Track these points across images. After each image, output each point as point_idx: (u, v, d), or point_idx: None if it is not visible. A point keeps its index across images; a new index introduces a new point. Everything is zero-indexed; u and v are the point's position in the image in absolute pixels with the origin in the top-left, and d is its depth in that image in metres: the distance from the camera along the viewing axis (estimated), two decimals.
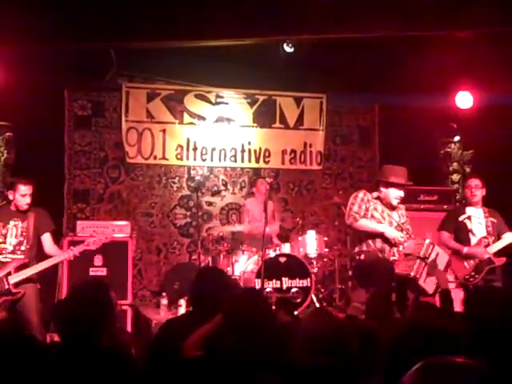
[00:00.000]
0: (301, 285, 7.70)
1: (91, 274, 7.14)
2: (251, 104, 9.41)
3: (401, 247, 6.01)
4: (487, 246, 6.64)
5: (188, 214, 9.21)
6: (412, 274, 5.86)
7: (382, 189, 6.23)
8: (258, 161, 9.40)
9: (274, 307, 6.03)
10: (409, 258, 5.93)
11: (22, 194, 6.07)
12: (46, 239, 6.24)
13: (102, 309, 3.24)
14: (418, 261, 5.88)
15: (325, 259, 8.45)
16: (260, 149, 9.40)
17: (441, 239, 6.84)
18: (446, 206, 8.77)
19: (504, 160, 8.27)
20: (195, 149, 9.19)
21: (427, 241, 6.06)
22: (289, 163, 9.46)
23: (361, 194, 6.22)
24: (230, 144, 9.32)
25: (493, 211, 6.90)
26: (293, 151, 9.47)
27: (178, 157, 9.13)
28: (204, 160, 9.24)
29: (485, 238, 6.70)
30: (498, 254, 6.65)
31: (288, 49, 7.68)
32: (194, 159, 9.20)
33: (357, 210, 6.11)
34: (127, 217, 8.67)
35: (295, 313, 7.28)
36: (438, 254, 6.05)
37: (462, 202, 7.17)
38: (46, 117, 8.33)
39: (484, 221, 6.81)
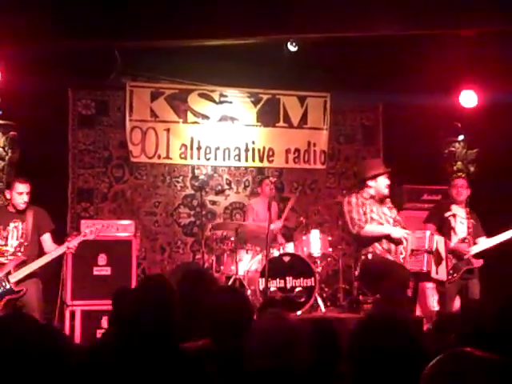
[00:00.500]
0: (305, 284, 7.69)
1: (95, 273, 7.14)
2: (255, 103, 9.40)
3: (405, 243, 6.00)
4: (469, 246, 6.73)
5: (192, 213, 9.21)
6: (424, 269, 5.89)
7: (371, 183, 6.20)
8: (261, 160, 9.39)
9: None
10: (416, 253, 5.94)
11: (19, 192, 6.07)
12: (46, 239, 6.26)
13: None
14: (426, 254, 5.90)
15: (329, 258, 8.45)
16: (264, 148, 9.40)
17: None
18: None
19: (509, 159, 8.25)
20: (199, 148, 9.18)
21: (428, 232, 6.11)
22: (293, 162, 9.46)
23: (354, 199, 6.15)
24: (234, 143, 9.32)
25: (473, 213, 6.99)
26: (297, 150, 9.47)
27: (182, 156, 9.14)
28: (208, 159, 9.24)
29: (466, 238, 6.77)
30: (476, 256, 6.76)
31: (292, 48, 7.67)
32: (198, 158, 9.20)
33: (358, 217, 6.05)
34: (131, 216, 8.68)
35: (298, 312, 7.30)
36: (437, 242, 6.10)
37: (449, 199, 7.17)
38: (50, 116, 8.33)
39: (466, 221, 6.88)
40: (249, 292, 7.50)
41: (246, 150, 9.36)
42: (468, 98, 8.47)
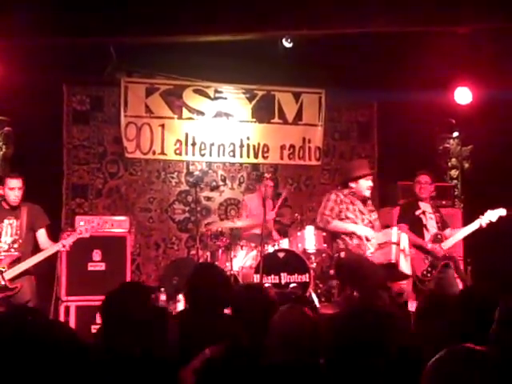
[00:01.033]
0: (299, 280, 7.70)
1: (90, 269, 7.13)
2: (250, 99, 9.40)
3: (372, 241, 6.11)
4: (441, 241, 6.74)
5: (187, 209, 9.21)
6: (393, 259, 5.99)
7: (353, 185, 6.28)
8: (256, 156, 9.40)
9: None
10: (383, 246, 6.07)
11: (11, 188, 6.04)
12: (41, 235, 6.22)
13: None
14: (393, 246, 6.02)
15: (323, 254, 8.45)
16: (259, 144, 9.40)
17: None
18: (444, 202, 8.79)
19: (503, 155, 8.27)
20: (194, 144, 9.18)
21: (394, 228, 6.23)
22: (287, 158, 9.46)
23: (333, 196, 6.26)
24: (229, 139, 9.32)
25: (436, 206, 7.09)
26: (291, 146, 9.47)
27: (177, 152, 9.13)
28: (203, 155, 9.24)
29: (438, 234, 6.78)
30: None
31: (287, 44, 7.67)
32: (193, 154, 9.20)
33: (329, 213, 6.18)
34: (126, 212, 8.67)
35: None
36: (404, 238, 6.22)
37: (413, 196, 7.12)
38: (45, 111, 8.31)
39: (433, 216, 6.90)
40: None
41: (241, 146, 9.36)
42: (462, 95, 8.48)
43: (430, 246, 6.71)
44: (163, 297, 7.61)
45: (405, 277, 6.47)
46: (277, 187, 9.43)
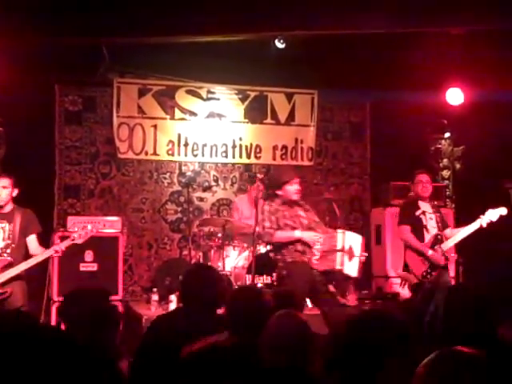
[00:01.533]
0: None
1: (82, 269, 7.13)
2: (242, 100, 9.41)
3: (318, 245, 6.14)
4: (441, 242, 6.70)
5: (179, 209, 9.21)
6: (337, 267, 6.11)
7: (280, 192, 6.29)
8: (249, 156, 9.40)
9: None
10: (328, 253, 6.14)
11: (3, 186, 6.01)
12: (32, 241, 6.16)
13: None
14: (338, 253, 6.11)
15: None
16: (251, 144, 9.40)
17: (402, 234, 6.85)
18: (436, 202, 8.79)
19: (494, 156, 8.31)
20: (186, 144, 9.18)
21: (338, 232, 6.24)
22: (280, 159, 9.47)
23: (266, 207, 6.27)
24: (221, 140, 9.32)
25: (437, 206, 7.04)
26: (284, 147, 9.48)
27: (169, 152, 9.13)
28: (195, 156, 9.24)
29: (438, 235, 6.74)
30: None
31: (279, 45, 7.67)
32: (185, 155, 9.20)
33: (269, 226, 6.18)
34: (118, 212, 8.66)
35: None
36: (353, 239, 6.28)
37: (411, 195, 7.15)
38: (37, 112, 8.31)
39: (434, 216, 6.85)
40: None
41: (234, 147, 9.36)
42: (454, 96, 8.50)
43: (430, 253, 6.62)
44: (155, 297, 7.61)
45: (349, 278, 6.73)
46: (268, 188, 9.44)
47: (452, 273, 8.02)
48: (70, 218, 7.70)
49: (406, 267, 6.77)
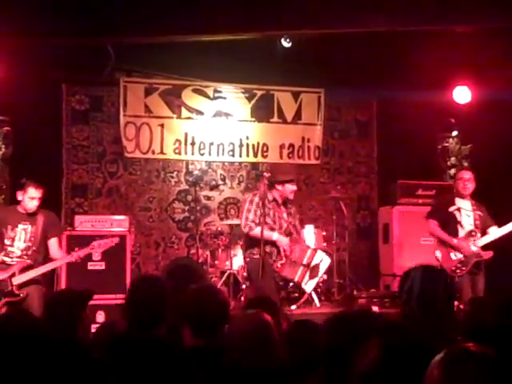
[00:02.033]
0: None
1: (89, 268, 7.14)
2: (249, 99, 9.40)
3: (288, 252, 6.39)
4: (475, 239, 6.65)
5: (186, 208, 9.22)
6: (296, 279, 6.41)
7: (279, 187, 6.51)
8: (256, 155, 9.40)
9: None
10: (294, 264, 6.41)
11: (31, 197, 6.02)
12: (53, 244, 6.18)
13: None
14: (301, 267, 6.39)
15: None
16: (258, 143, 9.40)
17: (429, 227, 6.88)
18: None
19: (502, 154, 8.28)
20: (193, 143, 9.18)
21: (310, 249, 6.57)
22: (287, 158, 9.46)
23: (256, 199, 6.45)
24: (228, 138, 9.32)
25: (479, 204, 6.91)
26: (291, 146, 9.47)
27: (176, 151, 9.13)
28: (202, 154, 9.24)
29: (473, 231, 6.69)
30: (485, 247, 6.68)
31: (286, 44, 7.67)
32: (192, 154, 9.20)
33: (253, 218, 6.38)
34: (125, 211, 8.66)
35: (293, 307, 7.31)
36: (321, 260, 6.58)
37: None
38: (44, 111, 8.34)
39: (472, 213, 6.81)
40: (244, 287, 7.52)
41: (240, 146, 9.36)
42: (462, 94, 8.50)
43: (455, 241, 6.64)
44: None
45: (303, 293, 7.07)
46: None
47: None
48: (77, 217, 7.72)
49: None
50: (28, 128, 8.10)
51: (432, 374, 1.73)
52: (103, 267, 7.20)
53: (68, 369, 1.83)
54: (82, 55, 7.95)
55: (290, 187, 6.51)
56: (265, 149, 9.41)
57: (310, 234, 8.09)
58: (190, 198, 9.15)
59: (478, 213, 6.83)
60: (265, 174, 8.24)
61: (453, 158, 9.48)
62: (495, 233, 6.73)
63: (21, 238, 6.04)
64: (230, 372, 2.79)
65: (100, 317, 6.93)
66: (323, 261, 6.58)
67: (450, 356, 1.74)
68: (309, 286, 6.54)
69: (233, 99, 9.36)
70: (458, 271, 6.58)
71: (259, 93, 9.42)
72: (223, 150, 9.30)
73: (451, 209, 6.81)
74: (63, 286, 6.99)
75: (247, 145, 9.38)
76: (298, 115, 9.51)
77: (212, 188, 9.14)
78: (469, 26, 7.24)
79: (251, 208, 6.40)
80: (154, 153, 9.05)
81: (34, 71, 7.75)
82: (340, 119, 9.87)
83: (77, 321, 3.73)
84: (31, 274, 5.91)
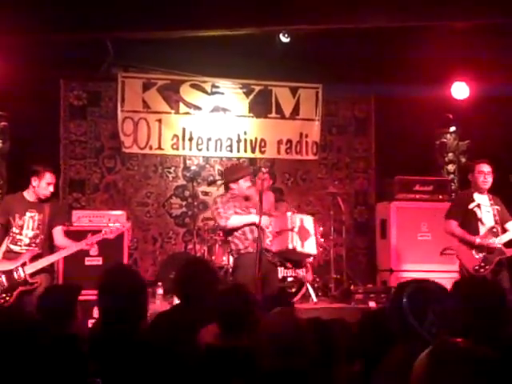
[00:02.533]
0: (296, 275, 7.72)
1: (87, 263, 7.13)
2: (247, 94, 9.39)
3: (270, 227, 6.35)
4: (497, 235, 6.46)
5: (184, 203, 9.22)
6: (290, 246, 6.26)
7: (234, 186, 6.51)
8: (253, 151, 9.40)
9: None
10: (280, 233, 6.32)
11: (48, 183, 6.05)
12: (57, 232, 6.17)
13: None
14: (289, 233, 6.26)
15: (320, 249, 8.46)
16: (256, 139, 9.39)
17: (448, 228, 6.67)
18: (441, 196, 8.81)
19: (500, 150, 8.28)
20: (191, 139, 9.18)
21: (288, 214, 6.42)
22: (285, 153, 9.46)
23: (219, 199, 6.52)
24: (226, 134, 9.32)
25: (496, 198, 6.72)
26: (289, 141, 9.47)
27: (174, 147, 9.13)
28: (200, 150, 9.24)
29: (494, 227, 6.51)
30: (506, 244, 6.50)
31: (284, 39, 7.66)
32: (190, 149, 9.20)
33: (224, 211, 6.39)
34: (123, 206, 8.67)
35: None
36: (302, 220, 6.49)
37: (471, 188, 6.73)
38: (42, 107, 8.33)
39: (491, 209, 6.60)
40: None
41: (238, 141, 9.36)
42: (460, 90, 8.50)
43: (478, 241, 6.44)
44: (160, 291, 7.62)
45: (307, 256, 6.99)
46: (274, 182, 9.43)
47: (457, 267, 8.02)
48: (74, 212, 7.72)
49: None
50: (25, 123, 8.09)
51: (418, 370, 1.74)
52: (100, 262, 7.19)
53: (56, 362, 1.88)
54: (79, 51, 7.94)
55: (244, 183, 6.50)
56: (263, 144, 9.40)
57: None
58: (187, 193, 9.15)
59: (496, 207, 6.62)
60: (263, 169, 8.29)
61: (450, 154, 9.48)
62: None
63: (29, 225, 6.04)
64: (265, 374, 2.77)
65: (97, 312, 6.92)
66: (305, 220, 6.51)
67: (437, 352, 1.74)
68: (308, 247, 6.41)
69: (231, 94, 9.35)
70: (481, 270, 6.37)
71: (257, 88, 9.41)
72: (221, 146, 9.30)
73: (471, 206, 6.60)
74: (60, 281, 6.98)
75: (245, 140, 9.37)
76: (295, 111, 9.50)
77: (210, 183, 9.13)
78: (467, 21, 7.23)
79: (219, 206, 6.42)
80: (151, 148, 9.04)
81: (32, 67, 7.74)
82: (338, 115, 9.86)
83: (68, 316, 3.78)
84: (44, 263, 5.94)
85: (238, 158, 9.40)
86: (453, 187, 9.21)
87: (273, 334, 2.84)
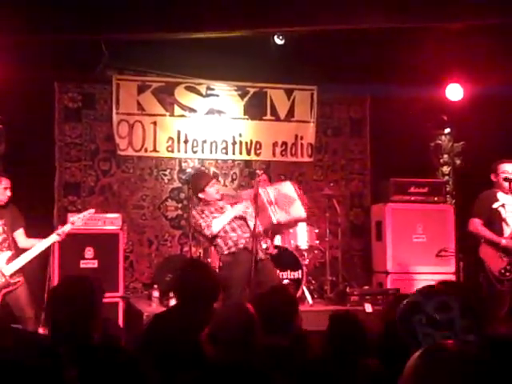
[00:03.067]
0: (292, 277, 7.72)
1: (82, 266, 7.12)
2: (242, 96, 9.39)
3: (249, 211, 6.44)
4: None
5: (179, 206, 9.21)
6: (274, 220, 6.37)
7: (202, 195, 6.58)
8: (249, 153, 9.39)
9: None
10: (261, 211, 6.36)
11: (5, 187, 6.07)
12: (20, 235, 6.23)
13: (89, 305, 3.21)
14: (268, 207, 6.37)
15: (316, 251, 8.47)
16: (251, 141, 9.39)
17: (472, 227, 6.50)
18: (436, 198, 8.82)
19: (494, 152, 8.29)
20: (186, 141, 9.17)
21: (260, 190, 6.46)
22: (280, 155, 9.46)
23: (194, 212, 6.59)
24: (221, 136, 9.31)
25: None
26: (284, 143, 9.47)
27: (169, 149, 9.12)
28: (195, 152, 9.23)
29: None
30: None
31: (278, 41, 7.68)
32: (185, 151, 9.19)
33: (204, 220, 6.43)
34: (118, 209, 8.65)
35: None
36: (278, 189, 6.62)
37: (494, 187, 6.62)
38: (37, 109, 8.32)
39: None
40: None
41: (233, 143, 9.35)
42: (454, 91, 8.51)
43: (504, 242, 6.27)
44: (156, 294, 7.62)
45: (297, 221, 7.05)
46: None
47: (453, 268, 8.04)
48: (69, 215, 7.68)
49: (481, 264, 6.38)
50: (20, 126, 8.07)
51: (408, 370, 1.73)
52: (96, 265, 7.19)
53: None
54: (74, 53, 7.93)
55: (211, 189, 6.57)
56: (258, 146, 9.40)
57: (302, 231, 8.11)
58: (183, 195, 9.15)
59: None
60: (258, 171, 8.29)
61: (445, 156, 9.50)
62: None
63: None
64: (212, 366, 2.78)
65: None
66: (281, 188, 6.59)
67: (427, 352, 1.74)
68: (294, 212, 6.48)
69: (225, 97, 9.34)
70: (507, 274, 6.21)
71: (252, 90, 9.41)
72: (216, 148, 9.29)
73: (495, 205, 6.47)
74: (55, 284, 6.96)
75: (240, 142, 9.37)
76: (290, 113, 9.50)
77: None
78: (461, 22, 7.24)
79: (198, 217, 6.46)
80: (146, 151, 9.03)
81: (26, 69, 7.71)
82: (333, 116, 9.86)
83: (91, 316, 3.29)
84: (23, 261, 5.95)
85: (234, 161, 9.40)
86: (448, 189, 9.23)
87: (220, 327, 2.89)
